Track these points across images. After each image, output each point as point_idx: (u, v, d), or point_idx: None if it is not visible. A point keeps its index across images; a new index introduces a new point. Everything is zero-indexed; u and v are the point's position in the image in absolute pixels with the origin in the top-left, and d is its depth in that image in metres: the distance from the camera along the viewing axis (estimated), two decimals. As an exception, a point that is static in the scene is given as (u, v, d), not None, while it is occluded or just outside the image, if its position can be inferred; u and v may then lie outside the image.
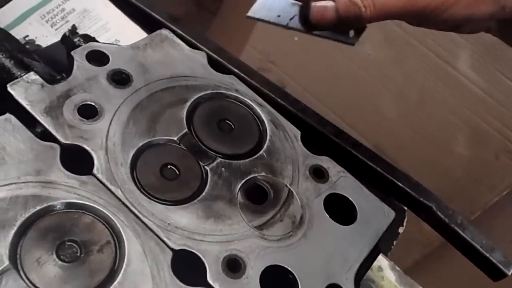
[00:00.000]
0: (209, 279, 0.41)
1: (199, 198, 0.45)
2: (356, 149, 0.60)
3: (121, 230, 0.41)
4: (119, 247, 0.41)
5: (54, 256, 0.39)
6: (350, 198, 0.50)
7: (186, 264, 0.42)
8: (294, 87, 1.28)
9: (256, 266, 0.43)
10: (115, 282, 0.39)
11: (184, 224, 0.43)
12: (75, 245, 0.40)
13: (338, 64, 1.22)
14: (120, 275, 0.40)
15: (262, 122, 0.53)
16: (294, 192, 0.48)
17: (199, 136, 0.49)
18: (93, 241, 0.40)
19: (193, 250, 0.42)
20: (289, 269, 0.44)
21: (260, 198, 0.48)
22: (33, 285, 0.37)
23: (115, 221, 0.41)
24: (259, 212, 0.47)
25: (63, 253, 0.39)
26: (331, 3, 0.47)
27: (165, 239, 0.42)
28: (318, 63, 1.26)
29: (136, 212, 0.42)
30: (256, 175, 0.48)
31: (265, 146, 0.51)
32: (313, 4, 0.47)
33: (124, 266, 0.40)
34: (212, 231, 0.44)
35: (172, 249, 0.42)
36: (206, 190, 0.46)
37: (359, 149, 0.60)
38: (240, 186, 0.47)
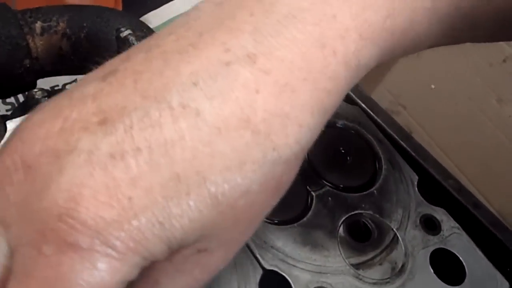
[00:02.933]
0: (294, 307, 0.40)
1: (299, 222, 0.44)
2: (476, 209, 0.55)
3: (218, 237, 0.41)
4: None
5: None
6: (461, 258, 0.46)
7: (272, 286, 0.41)
8: (421, 134, 1.22)
9: (344, 305, 0.41)
10: (202, 287, 0.39)
11: (280, 245, 0.43)
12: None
13: (473, 120, 1.16)
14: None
15: (379, 159, 0.51)
16: (400, 238, 0.46)
17: (312, 160, 0.49)
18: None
19: (283, 274, 0.41)
20: (380, 316, 0.41)
21: (362, 236, 0.45)
22: None
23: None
24: (359, 250, 0.44)
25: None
26: None
27: (258, 256, 0.42)
28: (452, 115, 1.20)
29: (235, 223, 0.42)
30: (362, 211, 0.46)
31: (377, 184, 0.49)
32: None
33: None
34: (306, 259, 0.42)
35: (263, 268, 0.41)
36: (308, 215, 0.45)
37: (480, 210, 0.55)
38: (344, 220, 0.45)
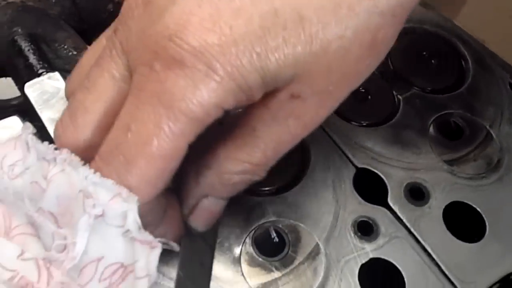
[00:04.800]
0: (390, 201, 0.40)
1: (388, 124, 0.44)
2: None
3: (307, 140, 0.42)
4: (304, 154, 0.42)
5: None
6: (560, 151, 0.44)
7: (367, 184, 0.41)
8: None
9: (440, 198, 0.41)
10: (297, 186, 0.40)
11: (370, 145, 0.43)
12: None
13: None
14: (303, 180, 0.41)
15: (465, 60, 0.49)
16: (494, 134, 0.45)
17: (396, 66, 0.48)
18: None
19: (376, 171, 0.42)
20: (478, 209, 0.41)
21: (453, 135, 0.45)
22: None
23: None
24: (451, 148, 0.44)
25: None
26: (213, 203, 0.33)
27: (349, 155, 0.42)
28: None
29: (324, 126, 0.43)
30: (452, 111, 0.46)
31: (466, 84, 0.47)
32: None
33: (307, 172, 0.41)
34: (398, 157, 0.42)
35: (355, 166, 0.42)
36: (396, 117, 0.45)
37: None
38: (434, 119, 0.45)
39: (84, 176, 0.28)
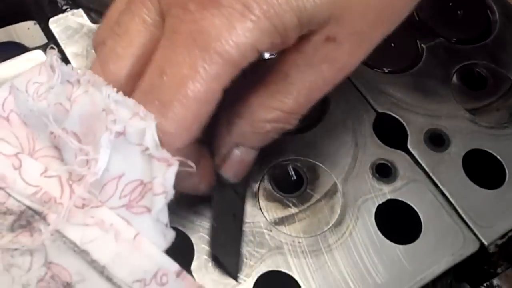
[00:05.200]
0: (409, 146, 0.40)
1: (411, 71, 0.44)
2: None
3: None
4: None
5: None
6: None
7: (387, 129, 0.41)
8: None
9: (460, 145, 0.40)
10: (317, 127, 0.40)
11: (392, 91, 0.43)
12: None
13: None
14: (323, 121, 0.41)
15: (492, 12, 0.48)
16: (518, 85, 0.44)
17: (420, 15, 0.47)
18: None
19: (396, 116, 0.41)
20: (498, 157, 0.40)
21: (477, 85, 0.44)
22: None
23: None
24: (473, 97, 0.43)
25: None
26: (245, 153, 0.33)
27: (370, 100, 0.42)
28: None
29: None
30: (476, 61, 0.45)
31: (492, 36, 0.47)
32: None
33: (327, 114, 0.41)
34: (419, 103, 0.42)
35: (376, 111, 0.41)
36: (419, 65, 0.44)
37: None
38: (457, 69, 0.44)
39: (107, 94, 0.28)
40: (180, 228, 0.35)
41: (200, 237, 0.35)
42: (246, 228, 0.35)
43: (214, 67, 0.26)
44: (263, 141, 0.33)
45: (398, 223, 0.37)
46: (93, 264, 0.27)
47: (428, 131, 0.41)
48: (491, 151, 0.40)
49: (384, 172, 0.39)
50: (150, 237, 0.27)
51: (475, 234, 0.37)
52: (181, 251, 0.33)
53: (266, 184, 0.37)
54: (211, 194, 0.34)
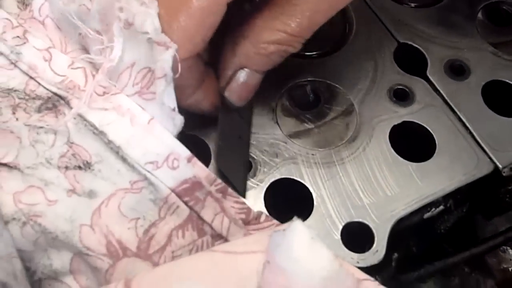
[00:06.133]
0: (429, 73, 0.40)
1: (436, 6, 0.44)
2: None
3: (352, 12, 0.43)
4: (349, 25, 0.43)
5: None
6: None
7: (407, 59, 0.42)
8: None
9: (481, 76, 0.40)
10: (338, 52, 0.41)
11: (415, 23, 0.43)
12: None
13: None
14: (344, 47, 0.41)
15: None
16: (545, 24, 0.44)
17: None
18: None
19: (417, 46, 0.42)
20: (519, 88, 0.40)
21: (502, 21, 0.44)
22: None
23: (348, 5, 0.43)
24: (498, 32, 0.43)
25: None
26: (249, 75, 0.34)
27: (393, 31, 0.42)
28: None
29: (370, 4, 0.43)
30: (503, -1, 0.45)
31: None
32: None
33: (349, 42, 0.42)
34: (442, 35, 0.42)
35: (397, 41, 0.42)
36: (445, 1, 0.44)
37: None
38: (483, 6, 0.44)
39: None
40: (199, 135, 0.36)
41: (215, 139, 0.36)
42: (262, 139, 0.37)
43: None
44: (267, 63, 0.33)
45: (412, 143, 0.38)
46: (110, 145, 0.29)
47: (449, 61, 0.41)
48: (511, 82, 0.40)
49: (401, 96, 0.39)
50: (160, 121, 0.29)
51: (489, 157, 0.37)
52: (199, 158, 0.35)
53: (284, 101, 0.39)
54: (217, 116, 0.35)
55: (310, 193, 0.35)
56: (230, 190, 0.30)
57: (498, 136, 0.38)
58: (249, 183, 0.35)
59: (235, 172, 0.34)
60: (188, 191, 0.29)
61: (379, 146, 0.37)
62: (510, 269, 0.56)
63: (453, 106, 0.39)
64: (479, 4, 0.44)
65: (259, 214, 0.29)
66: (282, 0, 0.31)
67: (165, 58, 0.28)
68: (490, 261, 0.57)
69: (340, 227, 0.34)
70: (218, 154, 0.35)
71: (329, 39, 0.42)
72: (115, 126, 0.29)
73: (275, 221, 0.28)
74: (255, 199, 0.34)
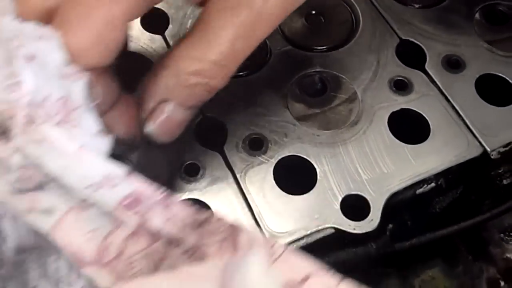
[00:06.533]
0: (427, 67, 0.44)
1: (436, 7, 0.48)
2: None
3: (359, 12, 0.47)
4: (356, 23, 0.47)
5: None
6: None
7: (408, 55, 0.46)
8: None
9: (475, 69, 0.44)
10: (344, 47, 0.46)
11: (416, 22, 0.47)
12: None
13: None
14: (350, 43, 0.46)
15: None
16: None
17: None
18: (336, 16, 0.47)
19: (418, 42, 0.46)
20: (510, 81, 0.44)
21: (499, 22, 0.48)
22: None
23: (356, 6, 0.48)
24: (494, 31, 0.47)
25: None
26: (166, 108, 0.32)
27: (396, 28, 0.47)
28: None
29: (376, 4, 0.48)
30: (500, 1, 0.49)
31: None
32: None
33: (354, 38, 0.46)
34: (441, 33, 0.46)
35: (399, 37, 0.46)
36: (445, 2, 0.49)
37: None
38: (481, 7, 0.48)
39: (8, 22, 0.29)
40: (213, 115, 0.41)
41: (232, 120, 0.41)
42: (273, 121, 0.41)
43: None
44: (190, 97, 0.31)
45: (408, 128, 0.42)
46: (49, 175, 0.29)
47: (446, 56, 0.45)
48: (504, 76, 0.44)
49: (400, 86, 0.43)
50: (89, 147, 0.29)
51: (479, 141, 0.41)
52: (215, 134, 0.40)
53: (295, 88, 0.43)
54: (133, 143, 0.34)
55: (314, 169, 0.39)
56: (177, 196, 0.32)
57: (488, 123, 0.42)
58: (260, 158, 0.39)
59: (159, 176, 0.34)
60: (133, 204, 0.28)
61: (378, 130, 0.41)
62: (512, 258, 0.60)
63: (447, 95, 0.43)
64: (477, 5, 0.48)
65: (210, 215, 0.28)
66: (199, 27, 0.30)
67: (78, 89, 0.28)
68: (494, 251, 0.61)
69: (340, 199, 0.38)
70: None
71: (337, 36, 0.47)
72: (47, 158, 0.29)
73: (226, 222, 0.27)
74: (265, 172, 0.39)
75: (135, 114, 0.32)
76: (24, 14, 0.28)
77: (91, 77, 0.28)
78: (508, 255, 0.60)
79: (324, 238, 0.37)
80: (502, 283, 0.58)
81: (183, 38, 0.31)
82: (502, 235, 0.61)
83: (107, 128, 0.30)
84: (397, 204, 0.39)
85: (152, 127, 0.32)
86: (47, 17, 0.28)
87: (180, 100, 0.31)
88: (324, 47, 0.46)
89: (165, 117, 0.32)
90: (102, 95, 0.30)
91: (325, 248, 0.38)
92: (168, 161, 0.38)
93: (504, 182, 0.44)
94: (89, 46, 0.27)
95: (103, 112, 0.30)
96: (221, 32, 0.29)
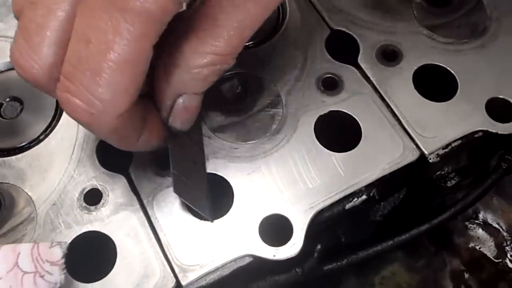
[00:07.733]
0: (360, 61, 0.40)
1: (372, -9, 0.43)
2: None
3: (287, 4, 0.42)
4: (282, 14, 0.42)
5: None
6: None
7: (340, 47, 0.41)
8: None
9: (413, 60, 0.40)
10: (267, 43, 0.41)
11: (350, 9, 0.42)
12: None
13: None
14: (275, 38, 0.41)
15: None
16: (485, 3, 0.43)
17: None
18: None
19: (350, 32, 0.41)
20: (452, 71, 0.39)
21: (439, 3, 0.43)
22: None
23: (283, -6, 0.43)
24: (435, 14, 0.43)
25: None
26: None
27: (326, 17, 0.42)
28: None
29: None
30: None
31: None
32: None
33: (280, 31, 0.41)
34: (377, 20, 0.42)
35: (330, 28, 0.41)
36: (381, -15, 0.44)
37: None
38: (422, -14, 0.43)
39: None
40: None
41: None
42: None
43: (137, 27, 0.26)
44: (205, 85, 0.32)
45: (338, 133, 0.37)
46: None
47: (382, 46, 0.40)
48: (445, 66, 0.40)
49: (330, 85, 0.39)
50: None
51: (416, 144, 0.37)
52: (120, 155, 0.36)
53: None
54: (168, 145, 0.34)
55: (231, 188, 0.35)
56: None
57: (427, 122, 0.37)
58: (169, 179, 0.35)
59: (196, 198, 0.34)
60: None
61: (303, 138, 0.37)
62: (478, 247, 0.56)
63: (382, 93, 0.39)
64: (419, -16, 0.44)
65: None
66: (206, 23, 0.30)
67: None
68: (458, 240, 0.58)
69: (259, 221, 0.34)
70: (175, 183, 0.33)
71: (260, 30, 0.42)
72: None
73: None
74: (175, 196, 0.35)
75: (158, 119, 0.33)
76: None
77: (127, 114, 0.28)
78: (473, 244, 0.57)
79: (241, 268, 0.33)
80: (467, 275, 0.55)
81: (185, 35, 0.30)
82: (466, 222, 0.57)
83: (146, 145, 0.32)
84: (325, 222, 0.35)
85: (175, 121, 0.33)
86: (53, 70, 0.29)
87: (195, 90, 0.32)
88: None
89: (184, 108, 0.33)
90: (136, 122, 0.30)
91: (245, 278, 0.34)
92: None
93: (449, 184, 0.40)
94: (122, 92, 0.28)
95: (139, 133, 0.31)
96: (229, 27, 0.30)
